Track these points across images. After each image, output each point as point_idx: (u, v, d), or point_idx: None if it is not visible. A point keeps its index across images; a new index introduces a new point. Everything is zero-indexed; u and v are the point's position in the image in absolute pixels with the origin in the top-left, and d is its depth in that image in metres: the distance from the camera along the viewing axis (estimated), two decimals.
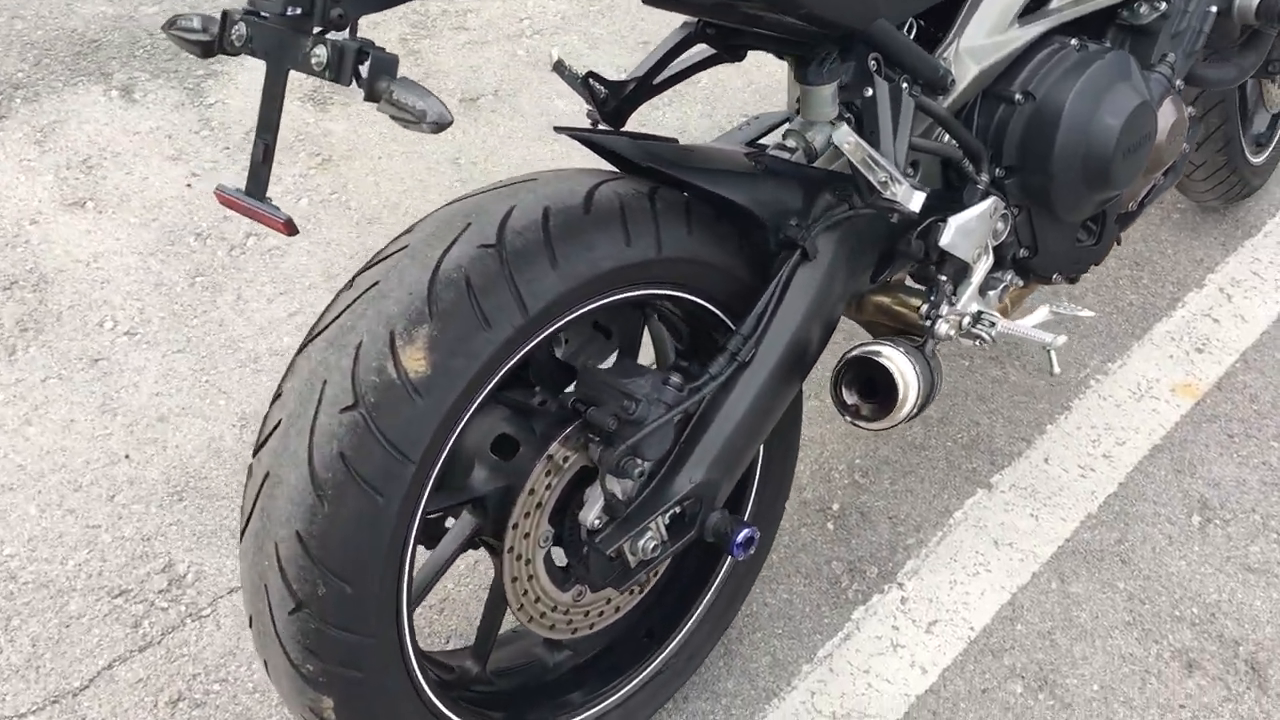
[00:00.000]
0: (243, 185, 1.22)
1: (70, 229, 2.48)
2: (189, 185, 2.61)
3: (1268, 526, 2.09)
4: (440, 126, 1.05)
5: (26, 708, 1.70)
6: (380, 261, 1.30)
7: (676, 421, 1.42)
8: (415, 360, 1.22)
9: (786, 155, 1.58)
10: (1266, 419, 2.31)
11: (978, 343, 1.65)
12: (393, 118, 1.05)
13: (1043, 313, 1.80)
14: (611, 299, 1.36)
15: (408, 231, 1.33)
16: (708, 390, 1.41)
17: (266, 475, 1.26)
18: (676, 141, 1.50)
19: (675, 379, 1.40)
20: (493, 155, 2.80)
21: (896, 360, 1.48)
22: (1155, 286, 2.62)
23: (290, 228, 1.14)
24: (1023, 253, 1.80)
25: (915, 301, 1.72)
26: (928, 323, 1.61)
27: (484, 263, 1.26)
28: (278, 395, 1.28)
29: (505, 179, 1.41)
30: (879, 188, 1.39)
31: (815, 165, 1.53)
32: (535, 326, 1.28)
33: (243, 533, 1.30)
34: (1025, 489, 2.14)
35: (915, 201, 1.40)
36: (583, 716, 1.58)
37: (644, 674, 1.65)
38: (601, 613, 1.56)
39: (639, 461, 1.37)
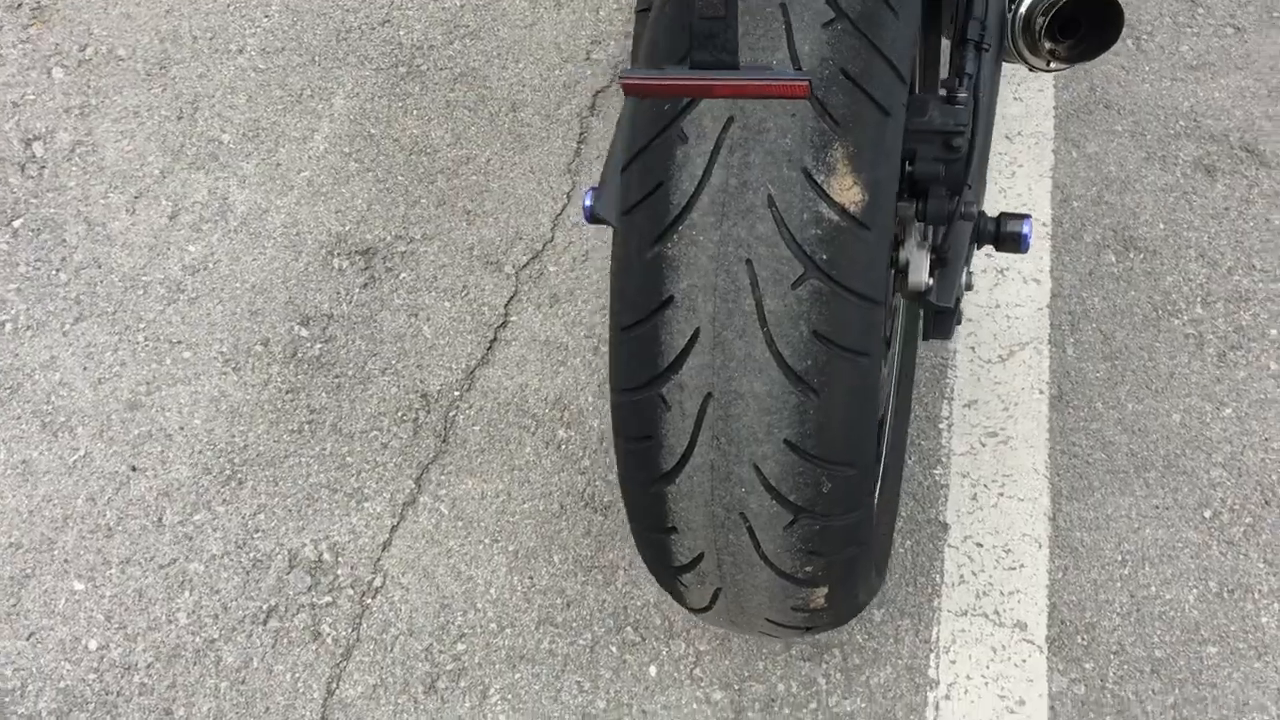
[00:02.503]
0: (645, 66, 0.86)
1: None
2: None
3: (1178, 24, 2.25)
4: None
5: None
6: (699, 98, 1.02)
7: None
8: (847, 189, 0.99)
9: None
10: None
11: None
12: None
13: None
14: None
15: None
16: (979, 92, 1.27)
17: (707, 398, 1.02)
18: None
19: (963, 94, 1.24)
20: None
21: None
22: None
23: (810, 87, 0.83)
24: None
25: None
26: None
27: (844, 42, 1.01)
28: (665, 302, 1.01)
29: None
30: None
31: None
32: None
33: (674, 473, 1.06)
34: None
35: None
36: None
37: None
38: None
39: (971, 199, 1.23)
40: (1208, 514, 1.66)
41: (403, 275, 1.79)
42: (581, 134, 1.98)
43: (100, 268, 1.75)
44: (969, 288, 1.32)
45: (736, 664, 1.49)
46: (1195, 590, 1.58)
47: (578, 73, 2.06)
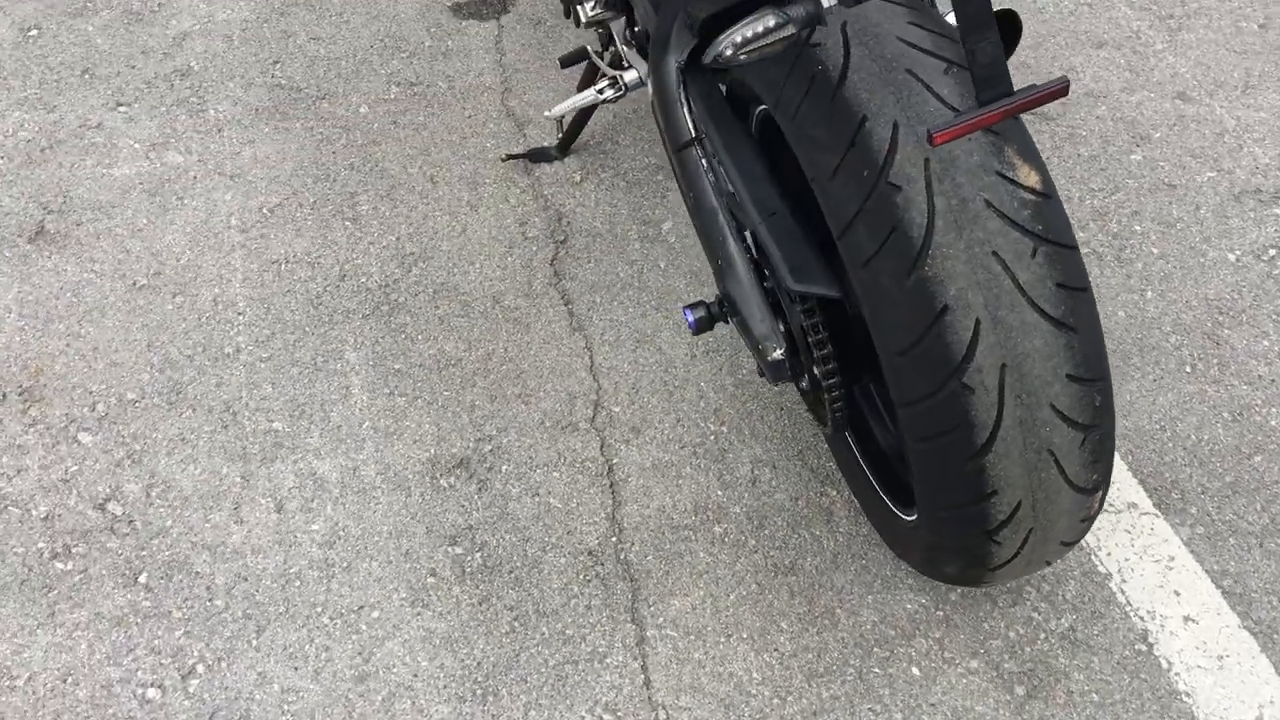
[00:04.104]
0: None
1: None
2: None
3: None
4: None
5: None
6: (890, 151, 1.25)
7: None
8: (1028, 175, 1.26)
9: None
10: None
11: None
12: None
13: None
14: None
15: (852, 117, 1.28)
16: None
17: (1002, 368, 1.23)
18: None
19: None
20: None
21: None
22: None
23: (1069, 85, 1.12)
24: None
25: None
26: None
27: (938, 50, 1.30)
28: (941, 311, 1.23)
29: None
30: None
31: None
32: None
33: (990, 443, 1.27)
34: None
35: None
36: None
37: None
38: None
39: None
40: (1188, 368, 2.03)
41: (504, 468, 1.89)
42: (564, 297, 2.16)
43: (247, 580, 1.74)
44: None
45: (969, 635, 1.70)
46: (1219, 424, 1.94)
47: (526, 252, 2.24)
